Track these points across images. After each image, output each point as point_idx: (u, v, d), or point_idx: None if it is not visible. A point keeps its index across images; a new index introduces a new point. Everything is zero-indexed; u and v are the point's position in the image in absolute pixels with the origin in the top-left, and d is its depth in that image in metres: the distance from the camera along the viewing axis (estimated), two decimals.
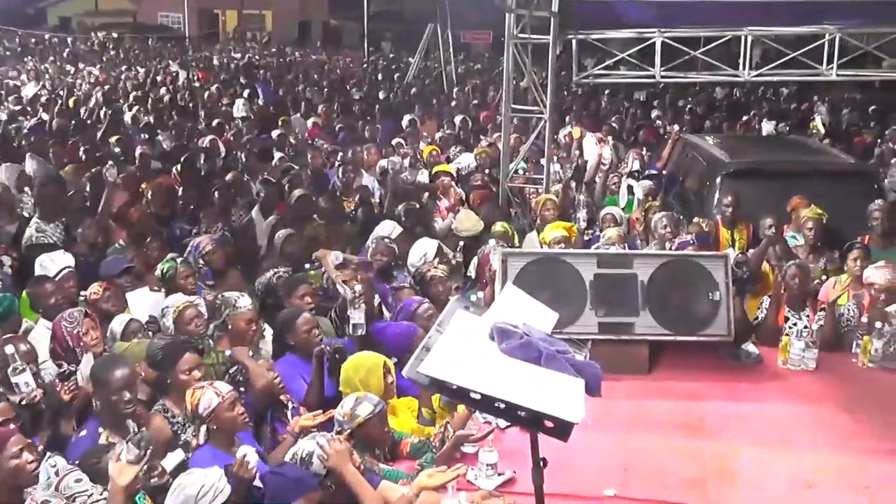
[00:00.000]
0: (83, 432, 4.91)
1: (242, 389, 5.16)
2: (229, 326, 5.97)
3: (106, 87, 19.22)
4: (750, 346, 6.68)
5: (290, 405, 5.50)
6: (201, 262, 7.37)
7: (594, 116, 14.61)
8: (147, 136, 13.04)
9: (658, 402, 6.04)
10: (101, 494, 3.96)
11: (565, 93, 17.76)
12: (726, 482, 5.05)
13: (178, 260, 7.12)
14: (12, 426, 4.68)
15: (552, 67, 10.40)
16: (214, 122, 13.97)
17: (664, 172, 10.69)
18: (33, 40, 37.37)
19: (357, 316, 6.01)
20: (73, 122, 14.24)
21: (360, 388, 5.23)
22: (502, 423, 5.10)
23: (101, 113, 15.03)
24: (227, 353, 5.80)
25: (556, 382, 2.88)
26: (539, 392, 2.82)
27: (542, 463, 3.06)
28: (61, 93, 18.09)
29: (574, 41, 10.82)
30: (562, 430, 2.81)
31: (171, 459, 4.20)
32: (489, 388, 2.80)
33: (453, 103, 17.95)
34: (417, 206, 9.04)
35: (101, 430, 4.78)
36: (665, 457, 5.30)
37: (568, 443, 2.93)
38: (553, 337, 3.12)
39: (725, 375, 6.39)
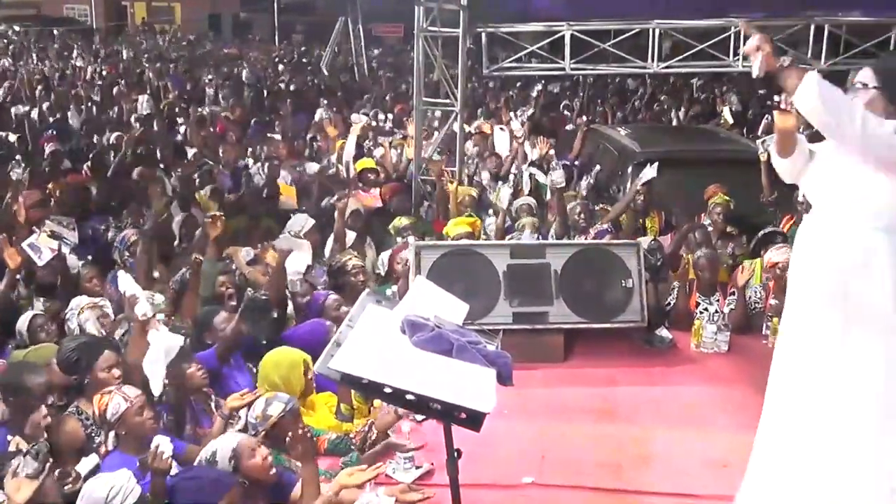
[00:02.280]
0: None
1: None
2: None
3: (7, 83, 18.66)
4: (663, 331, 6.80)
5: (213, 398, 5.42)
6: (126, 254, 7.23)
7: (505, 109, 14.64)
8: (54, 132, 12.71)
9: (574, 389, 6.11)
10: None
11: (477, 85, 17.79)
12: (641, 465, 5.14)
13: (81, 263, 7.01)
14: None
15: (462, 60, 10.41)
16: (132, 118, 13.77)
17: (576, 163, 10.78)
18: None
19: None
20: None
21: (279, 384, 5.21)
22: (419, 416, 5.12)
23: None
24: None
25: (468, 373, 2.88)
26: (451, 383, 2.82)
27: (456, 454, 3.07)
28: None
29: (484, 34, 10.85)
30: (474, 420, 2.82)
31: (86, 464, 4.11)
32: (400, 381, 2.80)
33: (366, 96, 17.86)
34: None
35: (9, 437, 4.64)
36: (581, 443, 5.37)
37: (485, 432, 2.95)
38: (464, 328, 3.13)
39: (640, 360, 6.51)
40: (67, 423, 4.85)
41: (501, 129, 12.05)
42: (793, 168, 4.23)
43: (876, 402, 4.01)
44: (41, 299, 6.64)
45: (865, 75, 4.02)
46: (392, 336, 2.98)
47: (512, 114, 12.61)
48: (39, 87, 17.55)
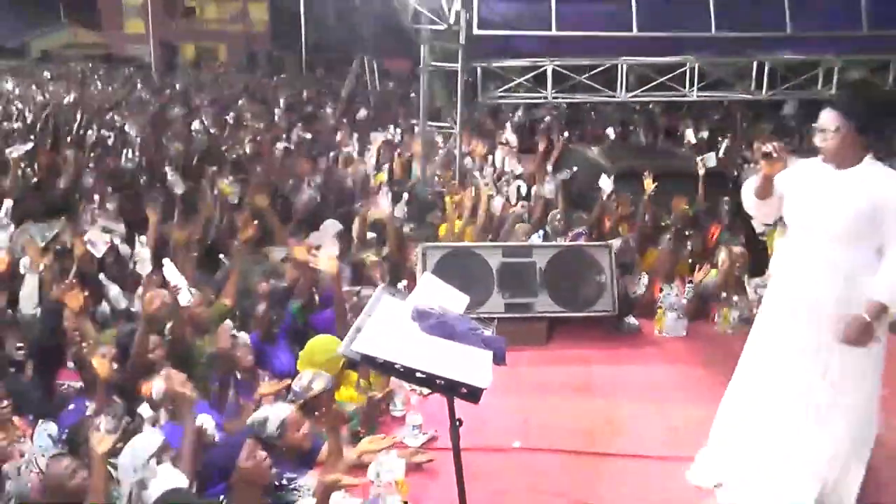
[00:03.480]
0: (72, 405, 4.76)
1: None
2: None
3: (80, 110, 18.66)
4: (631, 319, 6.80)
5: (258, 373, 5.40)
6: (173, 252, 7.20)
7: (497, 130, 14.59)
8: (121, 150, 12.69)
9: (555, 368, 6.12)
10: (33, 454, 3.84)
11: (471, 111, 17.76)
12: (611, 432, 5.15)
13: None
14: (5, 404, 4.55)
15: (461, 91, 10.41)
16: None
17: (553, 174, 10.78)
18: (20, 67, 36.19)
19: None
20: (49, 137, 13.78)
21: (321, 366, 5.14)
22: (425, 390, 5.11)
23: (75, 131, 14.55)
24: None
25: (468, 355, 2.88)
26: (454, 363, 2.82)
27: (458, 423, 3.05)
28: (43, 114, 17.51)
29: (479, 68, 10.86)
30: (473, 394, 2.81)
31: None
32: (411, 361, 2.80)
33: (380, 120, 17.79)
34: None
35: (87, 403, 4.64)
36: (561, 413, 5.38)
37: (479, 405, 2.92)
38: (465, 316, 3.12)
39: (611, 344, 6.51)
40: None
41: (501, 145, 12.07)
42: (769, 210, 4.18)
43: (825, 397, 3.98)
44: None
45: (830, 119, 3.84)
46: (404, 323, 2.96)
47: (506, 129, 12.53)
48: (109, 114, 17.55)
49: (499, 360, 2.88)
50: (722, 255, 7.07)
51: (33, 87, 25.86)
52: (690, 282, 7.06)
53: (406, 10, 10.08)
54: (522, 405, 5.41)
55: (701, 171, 8.73)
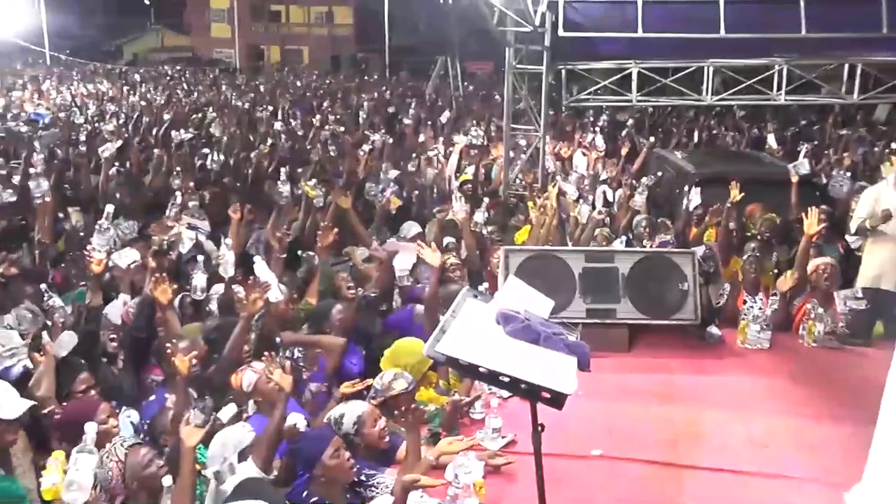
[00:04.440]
0: (153, 397, 4.92)
1: (304, 366, 5.14)
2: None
3: (168, 111, 19.23)
4: (713, 329, 6.65)
5: None
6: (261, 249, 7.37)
7: (582, 134, 14.48)
8: (206, 150, 13.04)
9: (637, 376, 6.01)
10: (115, 442, 3.94)
11: (553, 113, 17.68)
12: (693, 443, 5.02)
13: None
14: (93, 393, 4.73)
15: (545, 93, 10.38)
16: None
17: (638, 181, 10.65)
18: (112, 70, 37.46)
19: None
20: (139, 137, 14.24)
21: (405, 368, 5.19)
22: (505, 393, 5.10)
23: (163, 132, 14.98)
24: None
25: (553, 360, 2.86)
26: (538, 368, 2.81)
27: (540, 428, 3.04)
28: (133, 115, 18.12)
29: (563, 71, 10.82)
30: (557, 400, 2.79)
31: (226, 412, 4.19)
32: (495, 364, 2.79)
33: (464, 122, 17.83)
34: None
35: (167, 395, 4.79)
36: (642, 422, 5.28)
37: (561, 410, 2.91)
38: (549, 321, 3.11)
39: (692, 353, 6.36)
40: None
41: (583, 152, 11.98)
42: None
43: None
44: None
45: None
46: (488, 326, 2.97)
47: (594, 134, 12.42)
48: (194, 115, 18.01)
49: (583, 366, 2.86)
50: (811, 266, 6.89)
51: (124, 88, 26.76)
52: (775, 294, 6.89)
53: (491, 13, 10.10)
54: (603, 412, 5.33)
55: (794, 179, 8.50)
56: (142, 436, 4.40)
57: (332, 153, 12.69)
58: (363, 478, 4.09)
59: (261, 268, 5.74)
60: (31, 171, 8.68)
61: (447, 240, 7.75)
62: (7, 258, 6.32)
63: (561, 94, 11.49)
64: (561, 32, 10.01)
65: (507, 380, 2.80)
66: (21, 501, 3.45)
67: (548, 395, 2.78)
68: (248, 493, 3.58)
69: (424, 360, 5.30)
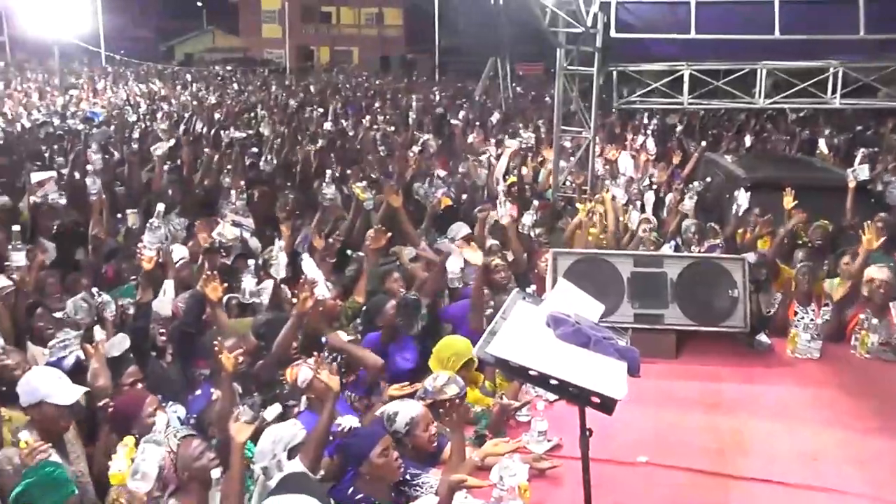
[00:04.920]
0: (198, 392, 4.99)
1: (344, 370, 5.18)
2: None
3: (219, 110, 19.51)
4: (763, 337, 6.53)
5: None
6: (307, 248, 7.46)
7: (633, 136, 14.36)
8: (256, 149, 13.21)
9: (683, 383, 5.93)
10: (169, 431, 3.99)
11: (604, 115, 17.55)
12: (740, 453, 4.94)
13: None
14: (140, 386, 4.81)
15: (596, 95, 10.32)
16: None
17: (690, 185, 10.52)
18: (165, 70, 38.10)
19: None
20: (190, 136, 14.45)
21: (445, 364, 5.24)
22: (551, 396, 5.08)
23: (214, 131, 15.19)
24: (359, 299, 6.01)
25: (603, 364, 2.84)
26: (588, 372, 2.79)
27: (588, 432, 3.02)
28: (185, 114, 18.41)
29: (614, 72, 10.74)
30: (607, 405, 2.77)
31: (271, 411, 4.24)
32: (546, 367, 2.78)
33: (512, 123, 17.79)
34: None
35: (212, 390, 4.86)
36: (689, 430, 5.21)
37: (611, 416, 2.89)
38: (599, 325, 3.08)
39: (741, 361, 6.26)
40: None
41: (628, 154, 11.89)
42: None
43: None
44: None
45: None
46: (538, 328, 2.95)
47: (644, 137, 12.31)
48: (244, 115, 18.23)
49: (633, 371, 2.84)
50: (865, 276, 6.73)
51: (176, 88, 27.18)
52: (827, 304, 6.76)
53: (543, 14, 10.06)
54: (650, 419, 5.27)
55: (851, 184, 8.33)
56: (187, 429, 4.45)
57: (381, 153, 12.74)
58: (408, 477, 4.11)
59: (308, 265, 5.81)
60: (88, 168, 8.86)
61: (491, 242, 7.76)
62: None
63: (611, 96, 11.43)
64: (613, 33, 9.93)
65: (556, 383, 2.78)
66: (67, 486, 3.51)
67: (597, 400, 2.76)
68: (291, 487, 3.61)
69: (461, 356, 5.33)
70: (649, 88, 11.27)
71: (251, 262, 6.75)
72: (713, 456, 4.89)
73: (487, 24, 23.55)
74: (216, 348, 4.58)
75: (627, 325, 5.91)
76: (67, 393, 4.25)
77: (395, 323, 5.82)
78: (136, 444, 3.55)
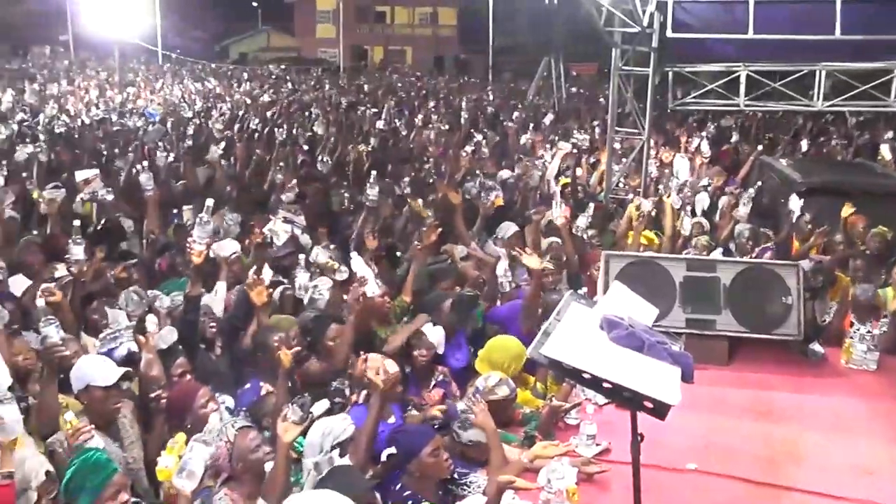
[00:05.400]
0: (248, 385, 5.05)
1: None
2: None
3: (274, 108, 19.72)
4: (816, 346, 6.39)
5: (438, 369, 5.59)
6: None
7: (687, 138, 14.16)
8: (308, 147, 13.32)
9: (735, 390, 5.83)
10: (227, 421, 4.05)
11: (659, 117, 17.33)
12: (793, 463, 4.84)
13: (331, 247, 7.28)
14: (189, 377, 4.88)
15: (651, 95, 10.21)
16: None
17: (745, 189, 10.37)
18: (221, 69, 38.66)
19: None
20: (245, 134, 14.64)
21: (500, 365, 5.23)
22: (601, 399, 5.06)
23: (268, 129, 15.34)
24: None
25: (656, 369, 2.81)
26: (642, 376, 2.75)
27: (639, 437, 2.99)
28: (239, 113, 18.65)
29: (670, 73, 10.61)
30: (660, 410, 2.73)
31: (319, 407, 4.27)
32: (599, 370, 2.76)
33: (565, 124, 17.69)
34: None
35: (261, 384, 4.92)
36: (740, 438, 5.13)
37: (656, 420, 2.85)
38: (653, 329, 3.05)
39: (794, 370, 6.13)
40: (312, 365, 5.13)
41: (682, 157, 11.73)
42: None
43: None
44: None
45: None
46: (592, 331, 2.93)
47: (700, 139, 12.14)
48: (297, 114, 18.39)
49: (686, 377, 2.80)
50: None
51: (231, 87, 27.55)
52: (885, 315, 6.59)
53: (599, 13, 9.97)
54: (700, 425, 5.20)
55: None
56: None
57: (434, 153, 12.78)
58: (455, 476, 4.11)
59: (357, 263, 5.85)
60: (144, 164, 9.02)
61: (552, 240, 7.73)
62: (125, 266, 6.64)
63: (665, 97, 11.29)
64: (669, 33, 9.80)
65: (609, 386, 2.75)
66: (108, 466, 3.58)
67: (650, 405, 2.72)
68: (335, 480, 3.64)
69: (517, 358, 5.31)
70: (705, 90, 11.09)
71: (301, 256, 6.79)
72: (764, 465, 4.80)
73: (541, 24, 23.47)
74: (275, 345, 4.62)
75: (679, 330, 5.85)
76: (109, 375, 4.38)
77: (452, 321, 5.81)
78: (186, 442, 3.59)
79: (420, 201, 8.43)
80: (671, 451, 4.78)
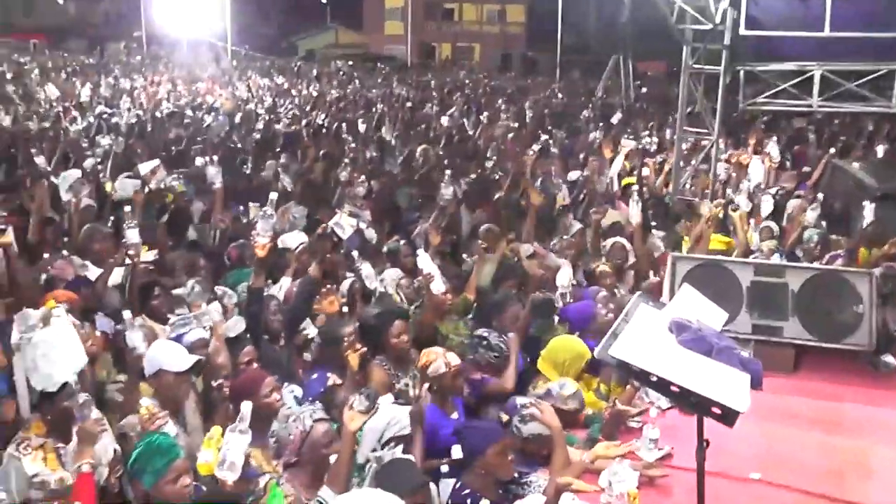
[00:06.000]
0: (314, 375, 5.12)
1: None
2: None
3: (341, 104, 19.91)
4: (888, 357, 6.18)
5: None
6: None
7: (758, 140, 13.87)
8: (375, 143, 13.41)
9: (801, 400, 5.68)
10: (305, 410, 4.12)
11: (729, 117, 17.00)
12: (863, 478, 4.69)
13: (402, 242, 7.37)
14: (255, 366, 4.96)
15: (722, 95, 10.03)
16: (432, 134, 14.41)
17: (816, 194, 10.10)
18: (289, 65, 39.12)
19: None
20: (312, 129, 14.81)
21: (562, 365, 5.22)
22: (664, 404, 5.01)
23: (335, 125, 15.49)
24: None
25: (726, 374, 2.75)
26: (710, 381, 2.70)
27: (705, 444, 2.93)
28: (306, 108, 18.87)
29: (741, 72, 10.38)
30: (728, 417, 2.68)
31: (384, 401, 4.33)
32: (668, 373, 2.72)
33: (632, 123, 17.49)
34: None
35: (328, 375, 4.98)
36: (805, 449, 4.99)
37: (719, 427, 2.82)
38: (722, 334, 2.99)
39: (863, 381, 5.94)
40: (376, 370, 5.16)
41: (758, 159, 11.51)
42: None
43: None
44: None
45: None
46: (661, 333, 2.89)
47: (771, 142, 11.90)
48: (364, 110, 18.52)
49: (755, 384, 2.74)
50: None
51: (300, 83, 27.87)
52: None
53: (671, 9, 9.80)
54: (764, 434, 5.07)
55: None
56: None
57: (500, 151, 12.76)
58: (516, 475, 4.09)
59: (424, 260, 5.88)
60: (213, 157, 9.20)
61: (613, 240, 7.67)
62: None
63: (735, 97, 11.03)
64: (742, 31, 9.57)
65: (677, 390, 2.71)
66: (172, 450, 3.67)
67: (718, 411, 2.67)
68: (392, 472, 3.68)
69: (580, 357, 5.27)
70: (777, 90, 10.81)
71: (354, 252, 6.90)
72: (832, 479, 4.66)
73: (611, 22, 23.21)
74: (346, 345, 4.70)
75: (744, 336, 5.74)
76: (182, 361, 4.49)
77: (520, 329, 5.78)
78: (222, 435, 3.66)
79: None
80: (734, 459, 4.67)
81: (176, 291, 6.00)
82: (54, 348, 4.15)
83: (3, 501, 3.68)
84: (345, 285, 6.37)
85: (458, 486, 3.96)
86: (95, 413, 3.84)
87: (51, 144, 11.38)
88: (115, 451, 3.95)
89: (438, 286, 5.70)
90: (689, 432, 3.15)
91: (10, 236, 5.59)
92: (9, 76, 24.85)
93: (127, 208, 6.35)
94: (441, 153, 12.17)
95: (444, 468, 4.14)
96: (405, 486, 3.48)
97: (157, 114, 17.47)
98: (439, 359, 4.78)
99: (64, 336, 4.25)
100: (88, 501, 3.65)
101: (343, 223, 7.09)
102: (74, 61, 34.38)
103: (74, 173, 8.79)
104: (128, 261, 5.88)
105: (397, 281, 6.58)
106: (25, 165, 10.15)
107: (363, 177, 9.62)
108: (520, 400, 4.62)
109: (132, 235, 5.83)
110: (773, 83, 10.89)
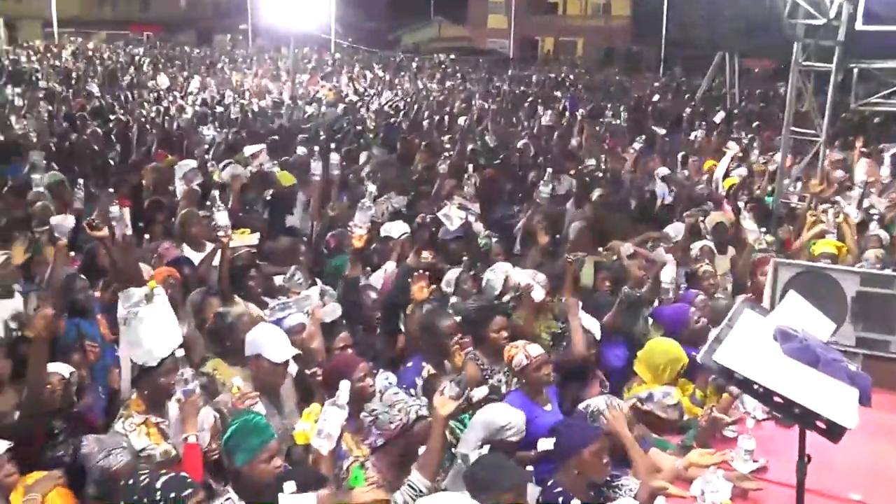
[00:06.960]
0: (409, 364, 5.18)
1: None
2: None
3: (441, 98, 19.99)
4: None
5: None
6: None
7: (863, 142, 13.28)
8: (476, 136, 13.42)
9: None
10: (413, 404, 4.14)
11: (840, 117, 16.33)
12: None
13: (493, 239, 7.35)
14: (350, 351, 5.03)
15: (833, 94, 9.60)
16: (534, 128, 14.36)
17: None
18: (391, 58, 39.55)
19: None
20: (411, 122, 14.94)
21: (658, 368, 5.16)
22: (760, 414, 4.88)
23: (436, 118, 15.56)
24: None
25: (832, 388, 2.63)
26: (816, 394, 2.59)
27: (806, 458, 2.82)
28: (408, 100, 19.03)
29: (854, 70, 9.88)
30: (834, 432, 2.56)
31: (479, 392, 4.36)
32: (772, 383, 2.61)
33: (735, 123, 17.01)
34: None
35: (423, 364, 5.05)
36: None
37: (820, 442, 2.71)
38: (829, 345, 2.86)
39: None
40: (469, 365, 5.19)
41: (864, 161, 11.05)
42: None
43: None
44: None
45: None
46: (765, 341, 2.78)
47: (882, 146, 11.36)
48: (465, 104, 18.56)
49: (864, 400, 2.60)
50: None
51: (402, 76, 28.15)
52: None
53: (783, 3, 9.39)
54: (866, 453, 4.78)
55: None
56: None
57: (597, 147, 12.62)
58: (607, 477, 4.03)
59: (518, 272, 6.02)
60: (315, 149, 9.37)
61: (702, 243, 7.54)
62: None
63: (846, 97, 10.51)
64: (859, 26, 9.08)
65: (780, 401, 2.60)
66: (266, 431, 3.75)
67: (822, 426, 2.55)
68: (486, 467, 3.67)
69: (676, 361, 5.17)
70: (893, 89, 10.25)
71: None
72: None
73: (716, 17, 22.62)
74: (455, 346, 4.79)
75: (848, 349, 5.47)
76: (281, 352, 4.57)
77: (608, 325, 5.73)
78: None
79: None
80: (834, 477, 4.43)
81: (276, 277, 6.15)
82: (156, 325, 4.36)
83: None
84: (451, 274, 6.36)
85: (550, 484, 3.91)
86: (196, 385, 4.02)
87: (161, 132, 11.83)
88: (214, 416, 4.11)
89: (539, 295, 5.68)
90: (785, 445, 3.04)
91: (125, 215, 5.92)
92: (126, 67, 25.94)
93: (215, 192, 6.52)
94: (539, 147, 12.06)
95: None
96: (505, 483, 3.49)
97: (262, 103, 17.90)
98: (520, 352, 4.82)
99: (163, 314, 4.44)
100: (196, 470, 3.80)
101: (452, 214, 7.13)
102: (184, 53, 35.62)
103: (189, 163, 9.14)
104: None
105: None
106: (138, 151, 10.56)
107: (471, 167, 9.63)
108: (593, 402, 4.53)
109: (221, 218, 5.98)
110: (890, 82, 10.32)
